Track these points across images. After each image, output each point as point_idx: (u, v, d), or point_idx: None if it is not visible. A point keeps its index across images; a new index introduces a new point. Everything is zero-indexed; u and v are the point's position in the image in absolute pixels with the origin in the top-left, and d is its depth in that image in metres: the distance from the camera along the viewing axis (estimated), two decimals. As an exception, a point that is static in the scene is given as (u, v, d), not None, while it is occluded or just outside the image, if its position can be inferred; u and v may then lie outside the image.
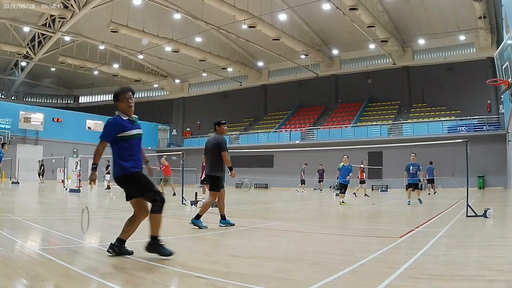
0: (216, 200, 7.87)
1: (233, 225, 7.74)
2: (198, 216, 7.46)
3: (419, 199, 14.33)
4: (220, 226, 7.68)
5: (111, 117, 4.73)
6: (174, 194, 18.35)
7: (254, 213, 11.46)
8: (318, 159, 29.57)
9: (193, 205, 12.28)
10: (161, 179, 19.86)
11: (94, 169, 4.63)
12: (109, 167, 25.03)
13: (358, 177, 21.39)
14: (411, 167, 14.39)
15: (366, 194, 21.30)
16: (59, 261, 4.11)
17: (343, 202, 14.58)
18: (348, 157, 15.62)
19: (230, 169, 7.77)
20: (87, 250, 5.07)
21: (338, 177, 15.58)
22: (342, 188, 15.28)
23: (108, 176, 25.00)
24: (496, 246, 5.73)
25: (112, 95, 4.84)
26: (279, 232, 7.46)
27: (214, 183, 7.73)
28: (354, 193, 20.92)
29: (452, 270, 4.08)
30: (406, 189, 14.58)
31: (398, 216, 11.06)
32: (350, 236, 6.98)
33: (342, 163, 15.45)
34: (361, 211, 12.85)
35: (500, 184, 27.19)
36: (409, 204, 13.90)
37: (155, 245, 4.57)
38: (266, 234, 7.15)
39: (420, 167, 14.88)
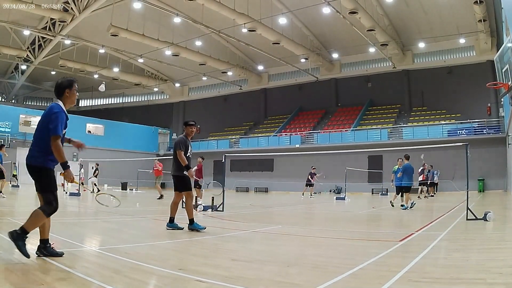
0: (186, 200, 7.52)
1: (181, 229, 7.29)
2: (191, 221, 7.28)
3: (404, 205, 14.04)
4: (167, 229, 7.34)
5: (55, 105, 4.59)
6: (161, 196, 18.22)
7: (254, 217, 11.45)
8: (318, 163, 29.54)
9: (194, 209, 12.26)
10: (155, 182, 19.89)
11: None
12: (97, 171, 24.93)
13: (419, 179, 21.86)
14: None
15: (426, 196, 21.76)
16: (59, 265, 4.11)
17: (402, 205, 14.20)
18: (402, 160, 15.38)
19: (186, 168, 7.39)
20: (87, 254, 5.07)
21: (393, 180, 15.31)
22: (399, 191, 14.84)
23: (95, 180, 24.78)
24: (496, 249, 5.73)
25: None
26: (279, 235, 7.45)
27: (182, 183, 7.48)
28: (419, 196, 21.26)
29: (452, 273, 4.08)
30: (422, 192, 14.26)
31: (398, 220, 11.04)
32: (350, 240, 6.98)
33: (397, 166, 15.10)
34: (361, 215, 12.83)
35: (500, 187, 27.17)
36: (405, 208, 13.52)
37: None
38: (266, 237, 7.14)
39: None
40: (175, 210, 7.52)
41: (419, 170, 22.41)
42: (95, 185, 24.70)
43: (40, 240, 4.59)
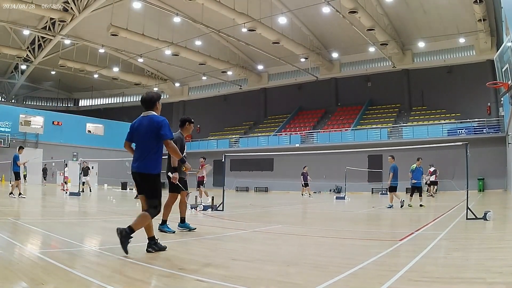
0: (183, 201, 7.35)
1: (194, 229, 7.18)
2: (182, 220, 7.21)
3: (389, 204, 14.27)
4: (178, 229, 7.18)
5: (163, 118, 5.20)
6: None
7: (254, 217, 11.45)
8: (318, 162, 29.54)
9: (193, 209, 12.27)
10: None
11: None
12: (89, 170, 24.50)
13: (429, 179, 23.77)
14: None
15: (432, 195, 23.26)
16: (59, 264, 4.11)
17: (421, 205, 14.29)
18: (422, 159, 15.26)
19: (173, 169, 6.92)
20: (87, 254, 5.07)
21: (412, 178, 15.34)
22: (416, 190, 14.85)
23: (87, 178, 24.08)
24: (496, 248, 5.73)
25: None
26: (279, 235, 7.44)
27: (175, 183, 7.10)
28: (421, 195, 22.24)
29: (452, 272, 4.08)
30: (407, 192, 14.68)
31: (398, 219, 11.05)
32: (350, 239, 6.98)
33: (415, 165, 15.11)
34: (361, 214, 12.84)
35: (500, 187, 27.17)
36: (389, 207, 13.95)
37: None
38: (266, 237, 7.14)
39: (391, 169, 14.76)
40: (184, 210, 7.35)
41: (432, 170, 24.05)
42: (83, 184, 23.95)
43: (148, 238, 5.15)
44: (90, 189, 23.59)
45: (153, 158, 5.04)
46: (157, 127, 5.01)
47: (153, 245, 5.08)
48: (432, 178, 24.00)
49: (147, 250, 5.05)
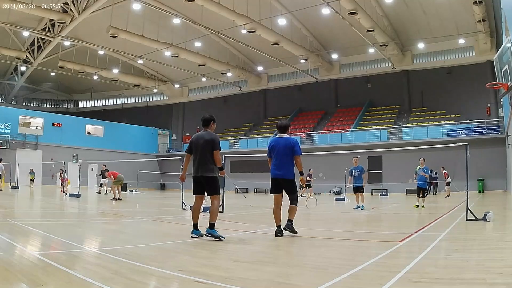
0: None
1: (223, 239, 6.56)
2: (212, 225, 6.71)
3: (362, 205, 14.17)
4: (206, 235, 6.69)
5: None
6: (114, 198, 17.77)
7: (253, 218, 11.44)
8: (318, 163, 29.51)
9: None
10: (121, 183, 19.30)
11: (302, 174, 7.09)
12: (107, 172, 24.67)
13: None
14: (353, 171, 14.54)
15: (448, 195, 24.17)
16: (59, 266, 4.10)
17: (417, 206, 14.27)
18: (424, 159, 15.12)
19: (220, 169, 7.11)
20: (87, 255, 5.06)
21: (415, 179, 15.08)
22: (420, 191, 14.64)
23: (105, 181, 24.40)
24: (496, 249, 5.73)
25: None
26: (279, 236, 7.43)
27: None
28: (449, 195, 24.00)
29: (452, 273, 4.07)
30: (354, 192, 14.64)
31: (398, 220, 11.04)
32: (350, 241, 6.98)
33: (419, 166, 14.85)
34: (361, 215, 12.83)
35: (500, 188, 27.17)
36: (357, 208, 14.03)
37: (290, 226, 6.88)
38: (266, 238, 7.13)
39: (364, 170, 14.72)
40: (197, 215, 7.02)
41: (447, 172, 25.13)
42: (101, 186, 24.61)
43: (288, 220, 6.96)
44: (106, 191, 23.88)
45: (290, 168, 7.03)
46: (292, 146, 6.98)
47: (290, 226, 6.84)
48: (449, 179, 25.16)
49: (284, 228, 6.81)
